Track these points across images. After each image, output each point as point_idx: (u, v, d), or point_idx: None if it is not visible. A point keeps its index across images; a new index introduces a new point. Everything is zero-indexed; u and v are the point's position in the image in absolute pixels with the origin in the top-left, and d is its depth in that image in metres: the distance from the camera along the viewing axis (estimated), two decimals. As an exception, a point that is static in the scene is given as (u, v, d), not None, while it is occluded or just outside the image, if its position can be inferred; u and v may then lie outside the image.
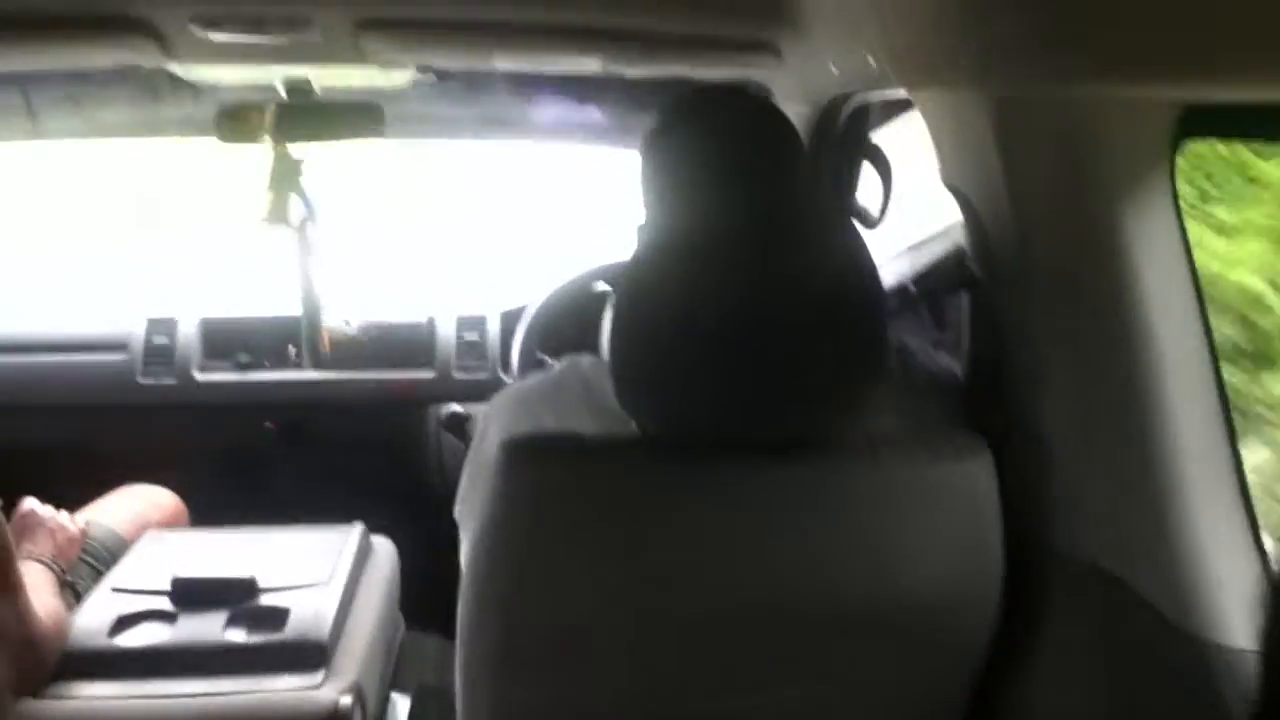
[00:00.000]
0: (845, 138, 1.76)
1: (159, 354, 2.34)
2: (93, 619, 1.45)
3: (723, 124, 1.21)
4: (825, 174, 1.80)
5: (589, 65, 1.61)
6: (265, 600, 1.49)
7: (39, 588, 1.47)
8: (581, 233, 2.97)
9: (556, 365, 1.36)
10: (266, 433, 2.37)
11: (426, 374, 2.39)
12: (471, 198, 3.64)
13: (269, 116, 1.88)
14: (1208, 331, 1.06)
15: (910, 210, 1.56)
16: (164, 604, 1.48)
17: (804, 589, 1.07)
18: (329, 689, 1.37)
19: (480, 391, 2.08)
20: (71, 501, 1.77)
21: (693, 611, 1.07)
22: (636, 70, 1.65)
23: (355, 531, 1.76)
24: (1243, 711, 0.96)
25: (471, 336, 2.41)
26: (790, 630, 1.09)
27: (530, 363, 2.04)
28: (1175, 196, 1.06)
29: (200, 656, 1.39)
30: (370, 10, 1.43)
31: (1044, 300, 1.15)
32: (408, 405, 2.39)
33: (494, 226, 3.46)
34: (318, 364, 2.35)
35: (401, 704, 1.68)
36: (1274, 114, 0.94)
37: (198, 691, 1.35)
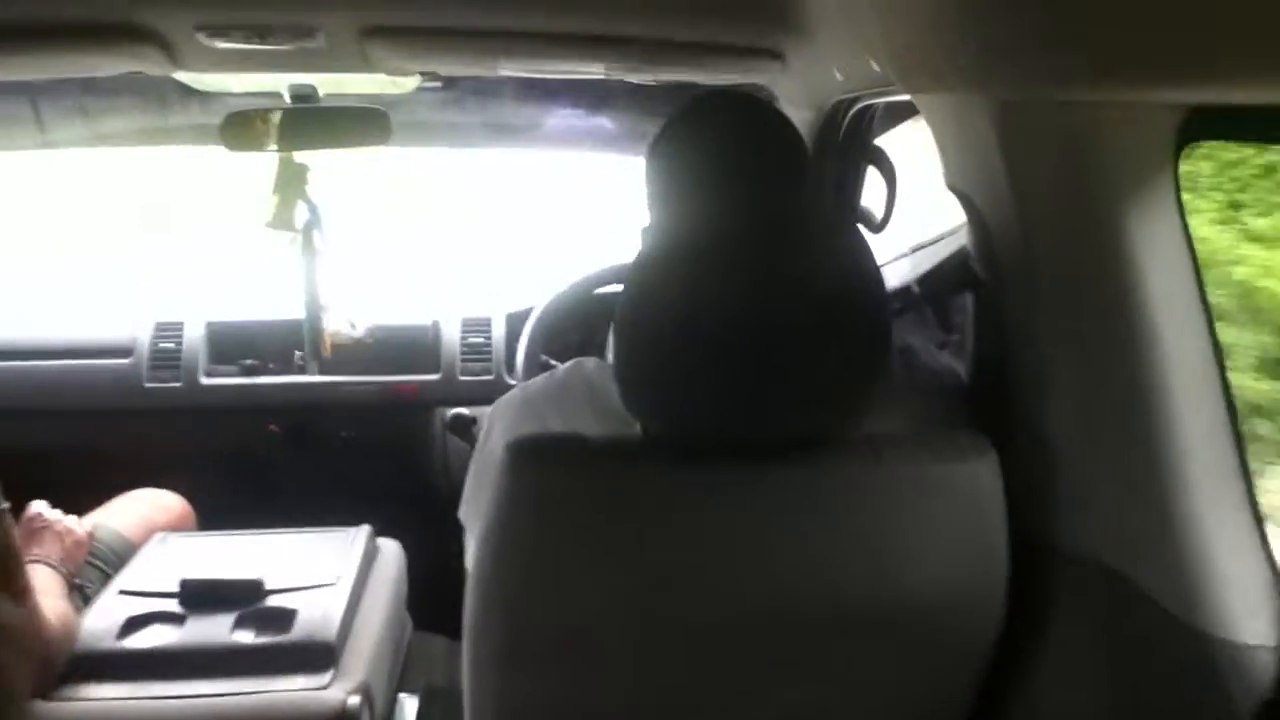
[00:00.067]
0: (849, 141, 1.77)
1: (165, 358, 2.35)
2: (101, 621, 1.46)
3: (727, 128, 1.22)
4: (829, 177, 1.80)
5: (593, 72, 1.61)
6: (273, 602, 1.49)
7: (47, 591, 1.48)
8: (586, 235, 2.97)
9: (561, 368, 1.36)
10: (272, 436, 2.38)
11: (432, 377, 2.39)
12: (476, 201, 3.65)
13: (275, 124, 1.89)
14: (1212, 331, 1.06)
15: (914, 213, 1.56)
16: (172, 606, 1.48)
17: (808, 590, 1.08)
18: (337, 689, 1.38)
19: (485, 394, 2.09)
20: (79, 505, 1.78)
21: (697, 612, 1.07)
22: (641, 76, 1.66)
23: (362, 533, 1.77)
24: (1250, 707, 0.96)
25: (476, 339, 2.42)
26: (795, 631, 1.09)
27: (535, 365, 2.04)
28: (1179, 198, 1.06)
29: (208, 658, 1.40)
30: (375, 18, 1.44)
31: (1048, 301, 1.15)
32: (413, 408, 2.40)
33: (499, 229, 3.47)
34: (323, 367, 2.36)
35: (409, 704, 1.68)
36: (1278, 116, 0.94)
37: (206, 693, 1.35)
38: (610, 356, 1.13)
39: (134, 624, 1.45)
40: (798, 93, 1.69)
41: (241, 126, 1.90)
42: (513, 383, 2.09)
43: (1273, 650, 0.99)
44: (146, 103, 2.07)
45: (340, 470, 2.41)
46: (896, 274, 1.49)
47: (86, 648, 1.41)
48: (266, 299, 2.44)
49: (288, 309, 2.31)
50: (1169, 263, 1.05)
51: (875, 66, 1.32)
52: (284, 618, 1.46)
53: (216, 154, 1.99)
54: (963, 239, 1.29)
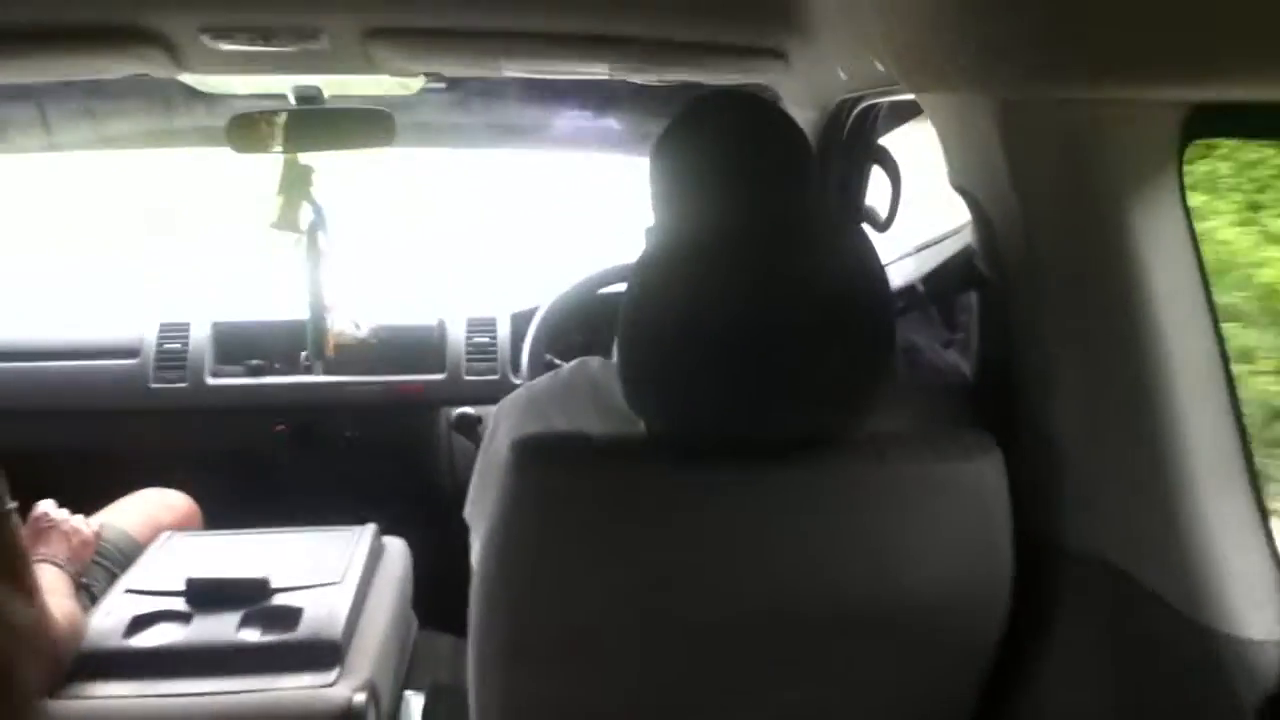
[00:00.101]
0: (853, 140, 1.77)
1: (171, 359, 2.36)
2: (108, 620, 1.46)
3: (730, 128, 1.22)
4: (833, 176, 1.80)
5: (596, 72, 1.62)
6: (279, 600, 1.50)
7: (54, 590, 1.48)
8: (591, 235, 2.97)
9: (565, 367, 1.37)
10: (278, 436, 2.38)
11: (437, 376, 2.40)
12: (481, 201, 3.65)
13: (280, 126, 1.90)
14: (1217, 328, 1.06)
15: (919, 211, 1.57)
16: (178, 605, 1.49)
17: (812, 589, 1.08)
18: (343, 687, 1.38)
19: (490, 393, 2.09)
20: (85, 505, 1.78)
21: (701, 611, 1.08)
22: (644, 77, 1.66)
23: (367, 532, 1.77)
24: (1256, 702, 0.96)
25: (481, 339, 2.42)
26: (799, 630, 1.10)
27: (540, 365, 2.05)
28: (1183, 196, 1.06)
29: (215, 656, 1.40)
30: (378, 19, 1.44)
31: (1053, 300, 1.16)
32: (418, 408, 2.40)
33: (504, 229, 3.48)
34: (328, 367, 2.36)
35: (415, 702, 1.68)
36: (1280, 113, 0.94)
37: (212, 690, 1.36)
38: (615, 356, 1.13)
39: (141, 622, 1.46)
40: (801, 92, 1.69)
41: (247, 128, 1.91)
42: (518, 382, 2.10)
43: (1278, 645, 0.99)
44: (152, 105, 2.08)
45: (346, 470, 2.41)
46: (901, 273, 1.49)
47: (93, 646, 1.42)
48: (272, 300, 2.44)
49: (293, 309, 2.32)
50: (1173, 260, 1.05)
51: (878, 66, 1.32)
52: (290, 616, 1.47)
53: (222, 156, 2.00)
54: (967, 238, 1.29)
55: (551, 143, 2.33)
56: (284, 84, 1.88)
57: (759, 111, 1.27)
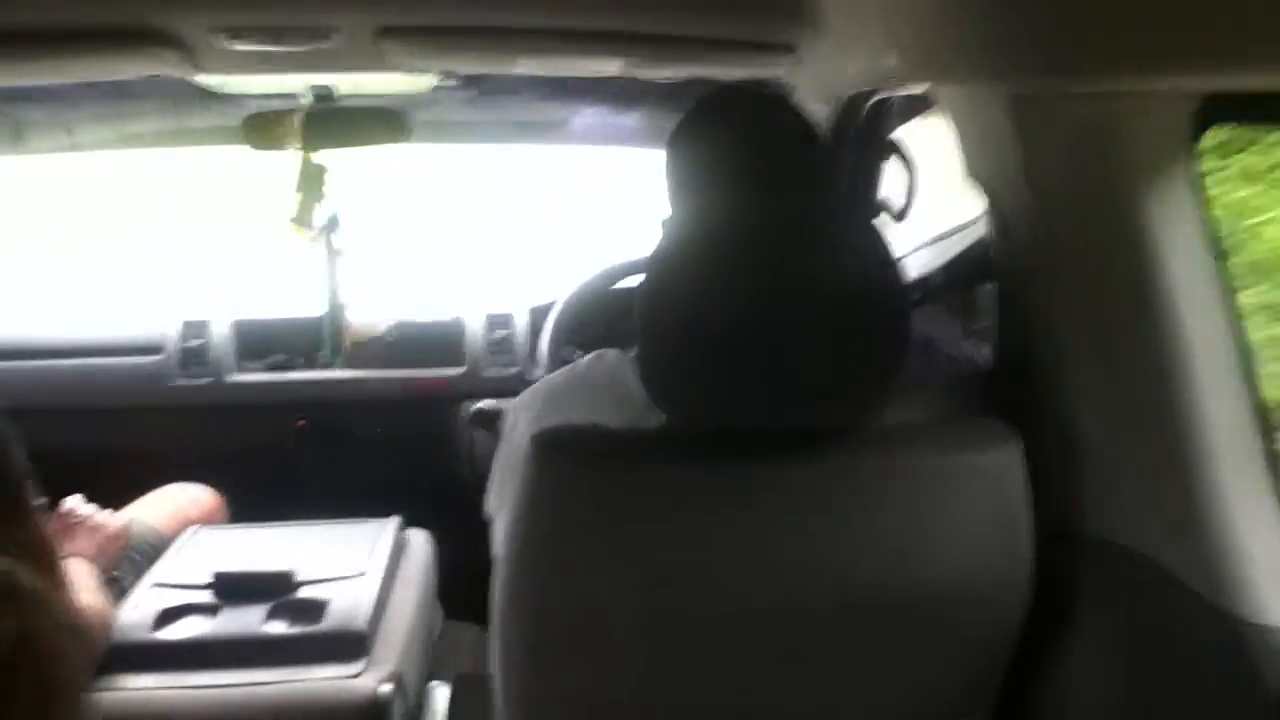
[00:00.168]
0: (867, 133, 1.77)
1: (193, 356, 2.38)
2: (136, 613, 1.48)
3: (744, 122, 1.23)
4: (846, 169, 1.80)
5: (608, 68, 1.62)
6: (304, 593, 1.51)
7: (83, 585, 1.50)
8: (609, 228, 2.97)
9: (583, 360, 1.37)
10: (300, 431, 2.40)
11: (456, 371, 2.41)
12: (499, 196, 3.65)
13: (296, 124, 1.91)
14: (1233, 315, 1.06)
15: (934, 204, 1.56)
16: (206, 598, 1.51)
17: (832, 580, 1.08)
18: (369, 678, 1.39)
19: (509, 387, 2.10)
20: (112, 501, 1.80)
21: (720, 603, 1.08)
22: (656, 72, 1.66)
23: (391, 524, 1.79)
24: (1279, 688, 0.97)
25: (500, 333, 2.44)
26: (819, 622, 1.10)
27: (558, 358, 2.06)
28: (1198, 184, 1.06)
29: (242, 648, 1.42)
30: (390, 18, 1.45)
31: (1069, 290, 1.16)
32: (438, 402, 2.42)
33: (521, 224, 3.48)
34: (349, 363, 2.38)
35: (440, 692, 1.70)
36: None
37: (240, 682, 1.37)
38: (633, 349, 1.14)
39: (169, 616, 1.48)
40: (814, 85, 1.69)
41: (263, 127, 1.92)
42: (536, 376, 2.11)
43: None
44: (171, 105, 2.10)
45: (367, 464, 2.43)
46: (917, 265, 1.49)
47: (122, 639, 1.43)
48: (292, 296, 2.46)
49: (313, 306, 2.33)
50: (1188, 248, 1.05)
51: (893, 59, 1.32)
52: (316, 608, 1.48)
53: (239, 154, 2.01)
54: (982, 229, 1.29)
55: (569, 138, 2.34)
56: (299, 83, 1.89)
57: (773, 105, 1.27)
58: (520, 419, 1.36)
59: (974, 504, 1.09)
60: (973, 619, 1.12)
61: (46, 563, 1.36)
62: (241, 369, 2.40)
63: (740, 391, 1.03)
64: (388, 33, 1.47)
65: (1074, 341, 1.16)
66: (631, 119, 2.19)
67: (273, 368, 2.40)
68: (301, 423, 2.40)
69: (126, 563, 1.71)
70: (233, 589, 1.51)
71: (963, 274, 1.36)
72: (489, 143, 2.56)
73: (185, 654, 1.42)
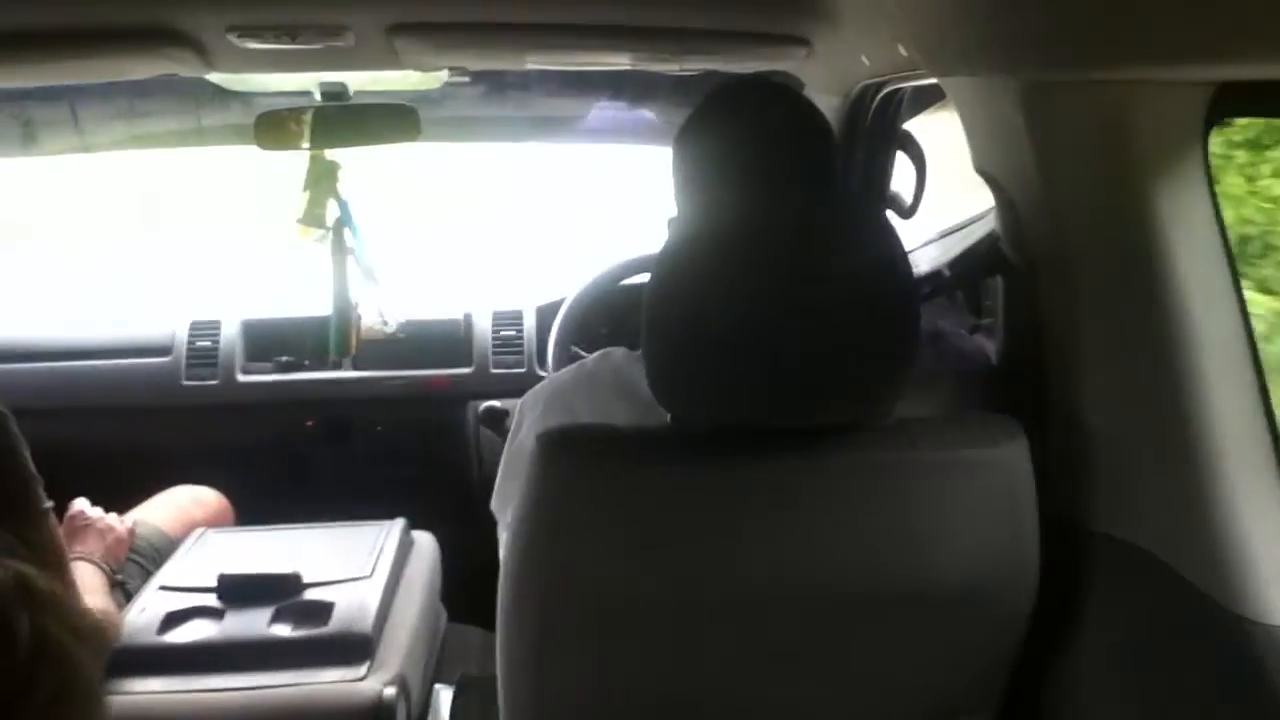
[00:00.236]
0: (877, 126, 1.76)
1: (202, 356, 2.39)
2: (143, 617, 1.48)
3: (754, 116, 1.22)
4: (857, 163, 1.80)
5: (620, 63, 1.62)
6: (310, 595, 1.51)
7: (90, 587, 1.50)
8: (615, 225, 2.97)
9: (589, 358, 1.37)
10: (308, 431, 2.41)
11: (464, 370, 2.41)
12: (506, 194, 3.66)
13: (307, 123, 1.91)
14: (1244, 310, 1.05)
15: (944, 197, 1.56)
16: (211, 601, 1.50)
17: (840, 574, 1.08)
18: (373, 681, 1.39)
19: (517, 386, 2.10)
20: (119, 503, 1.81)
21: (729, 598, 1.08)
22: (667, 66, 1.66)
23: (396, 526, 1.78)
24: None
25: (508, 332, 2.44)
26: (828, 615, 1.10)
27: (565, 357, 2.05)
28: (1209, 176, 1.05)
29: (247, 651, 1.42)
30: (402, 14, 1.45)
31: (1079, 283, 1.15)
32: (446, 401, 2.42)
33: (529, 222, 3.48)
34: (357, 363, 2.38)
35: (445, 695, 1.69)
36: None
37: (246, 685, 1.37)
38: (640, 346, 1.13)
39: (175, 619, 1.48)
40: (824, 78, 1.68)
41: (274, 126, 1.92)
42: (544, 375, 2.11)
43: None
44: (182, 104, 2.10)
45: (375, 464, 2.43)
46: (927, 258, 1.48)
47: (129, 643, 1.43)
48: (300, 296, 2.47)
49: (321, 306, 2.34)
50: (1200, 241, 1.04)
51: (901, 51, 1.31)
52: (321, 611, 1.48)
53: (248, 154, 2.02)
54: (992, 223, 1.29)
55: (580, 135, 2.33)
56: (311, 81, 1.89)
57: (782, 99, 1.26)
58: (526, 418, 1.36)
59: (981, 499, 1.08)
60: (979, 614, 1.12)
61: (56, 565, 1.36)
62: (250, 369, 2.40)
63: (748, 389, 1.03)
64: (399, 30, 1.47)
65: (1083, 335, 1.15)
66: (643, 115, 2.19)
67: (281, 368, 2.40)
68: (310, 423, 2.41)
69: (133, 565, 1.71)
70: (238, 592, 1.51)
71: (972, 268, 1.35)
72: (500, 140, 2.57)
73: (191, 657, 1.42)
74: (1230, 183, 1.57)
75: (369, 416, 2.42)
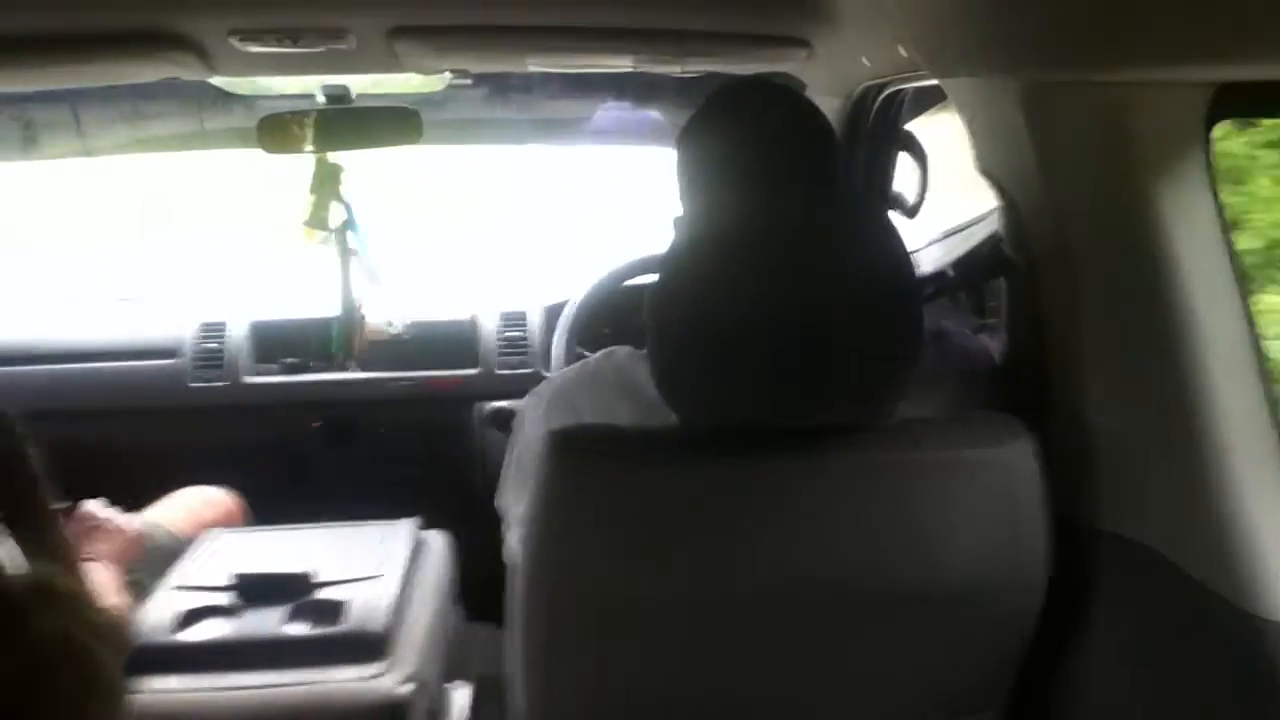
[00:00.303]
0: (878, 127, 1.77)
1: (209, 358, 2.39)
2: (157, 616, 1.49)
3: (756, 118, 1.22)
4: (859, 164, 1.80)
5: (621, 64, 1.62)
6: (324, 594, 1.52)
7: (102, 588, 1.51)
8: (621, 226, 2.97)
9: (592, 357, 1.37)
10: (315, 432, 2.41)
11: (470, 371, 2.42)
12: (512, 195, 3.66)
13: (310, 126, 1.91)
14: (1247, 309, 1.06)
15: (946, 197, 1.56)
16: (225, 600, 1.51)
17: (846, 574, 1.09)
18: (389, 679, 1.40)
19: (524, 387, 2.09)
20: (130, 503, 1.81)
21: (735, 597, 1.09)
22: (668, 68, 1.67)
23: (408, 525, 1.79)
24: None
25: (514, 332, 2.44)
26: (834, 614, 1.10)
27: (571, 358, 2.06)
28: (1211, 176, 1.06)
29: (262, 650, 1.42)
30: (403, 17, 1.46)
31: (1082, 283, 1.15)
32: (453, 402, 2.42)
33: (534, 223, 3.48)
34: (363, 364, 2.39)
35: (460, 693, 1.70)
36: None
37: (261, 684, 1.38)
38: (645, 346, 1.14)
39: (189, 618, 1.48)
40: (825, 80, 1.69)
41: (277, 129, 1.93)
42: (549, 375, 2.12)
43: None
44: (185, 107, 2.11)
45: (383, 465, 2.44)
46: (930, 259, 1.49)
47: (144, 642, 1.44)
48: (306, 298, 2.47)
49: (328, 307, 2.34)
50: (1202, 241, 1.05)
51: (902, 52, 1.32)
52: (335, 609, 1.48)
53: (253, 157, 2.02)
54: (995, 223, 1.29)
55: (583, 136, 2.33)
56: (313, 84, 1.90)
57: (783, 100, 1.27)
58: (529, 417, 1.36)
59: (984, 499, 1.09)
60: (984, 614, 1.12)
61: (70, 566, 1.37)
62: (257, 371, 2.41)
63: (750, 390, 1.04)
64: (401, 33, 1.48)
65: (1086, 334, 1.16)
66: (648, 116, 2.19)
67: (289, 369, 2.40)
68: (316, 424, 2.41)
69: (145, 566, 1.72)
70: (252, 591, 1.51)
71: (975, 268, 1.35)
72: (503, 142, 2.57)
73: (206, 656, 1.42)
74: (1259, 185, 1.57)
75: (375, 417, 2.43)
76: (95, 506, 1.72)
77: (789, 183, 1.17)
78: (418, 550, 1.74)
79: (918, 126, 1.70)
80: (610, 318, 2.19)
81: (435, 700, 1.55)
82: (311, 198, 2.09)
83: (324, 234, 2.12)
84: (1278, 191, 1.59)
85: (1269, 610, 0.99)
